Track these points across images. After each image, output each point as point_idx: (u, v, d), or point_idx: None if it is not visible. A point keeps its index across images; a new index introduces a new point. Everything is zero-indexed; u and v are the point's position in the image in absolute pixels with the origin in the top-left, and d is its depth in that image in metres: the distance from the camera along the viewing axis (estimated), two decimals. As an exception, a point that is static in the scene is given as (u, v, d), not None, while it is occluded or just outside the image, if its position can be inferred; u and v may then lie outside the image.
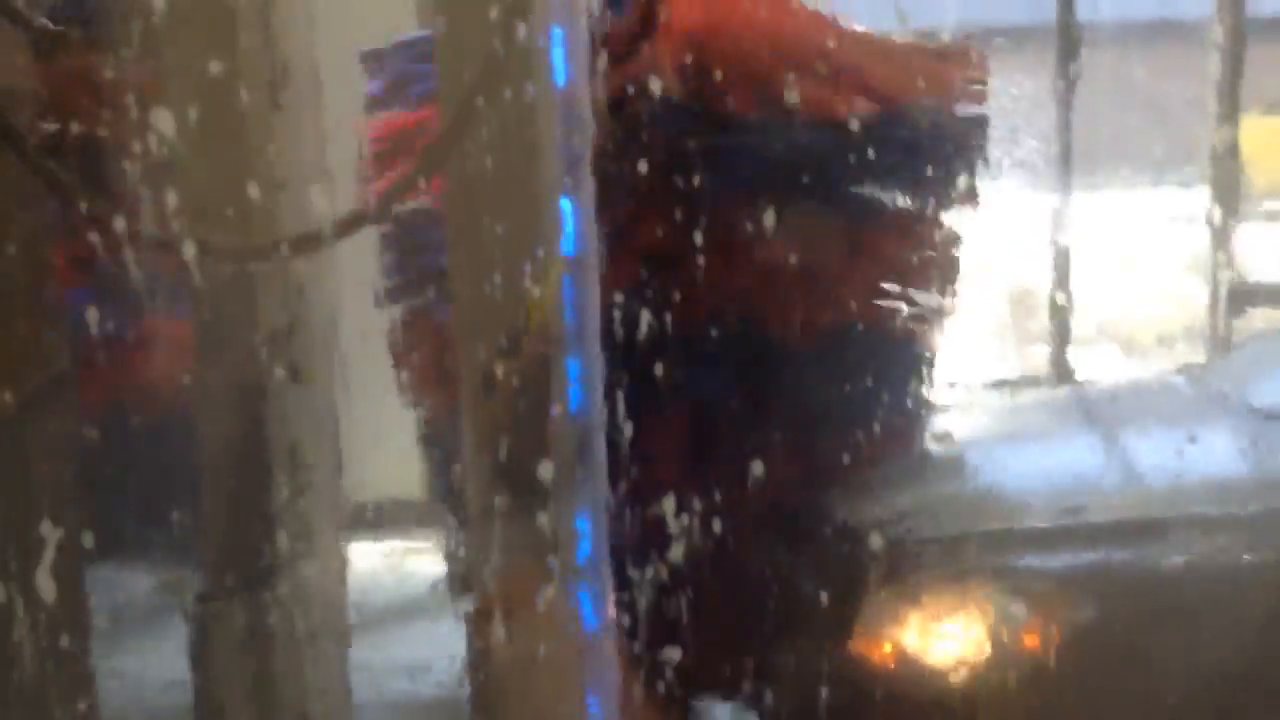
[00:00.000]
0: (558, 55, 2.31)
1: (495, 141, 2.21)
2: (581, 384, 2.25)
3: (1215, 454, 3.13)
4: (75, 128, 2.54)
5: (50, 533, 2.11)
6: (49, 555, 2.11)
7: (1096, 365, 6.40)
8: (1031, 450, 3.41)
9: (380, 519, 3.94)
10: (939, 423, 3.43)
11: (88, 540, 2.19)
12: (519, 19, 2.23)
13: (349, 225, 2.27)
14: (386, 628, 3.79)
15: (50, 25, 2.34)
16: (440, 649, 3.36)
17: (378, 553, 4.43)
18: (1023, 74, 6.15)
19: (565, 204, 2.28)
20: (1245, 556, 2.70)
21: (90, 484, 2.26)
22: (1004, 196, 5.84)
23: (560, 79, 2.29)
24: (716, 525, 2.74)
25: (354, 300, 2.72)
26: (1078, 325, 6.28)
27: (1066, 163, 6.06)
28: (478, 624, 2.17)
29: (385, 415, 2.95)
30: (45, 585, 2.10)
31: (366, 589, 3.75)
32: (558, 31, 2.30)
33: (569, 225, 2.26)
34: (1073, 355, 6.22)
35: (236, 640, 2.37)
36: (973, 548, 2.75)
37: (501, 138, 2.22)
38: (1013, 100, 6.10)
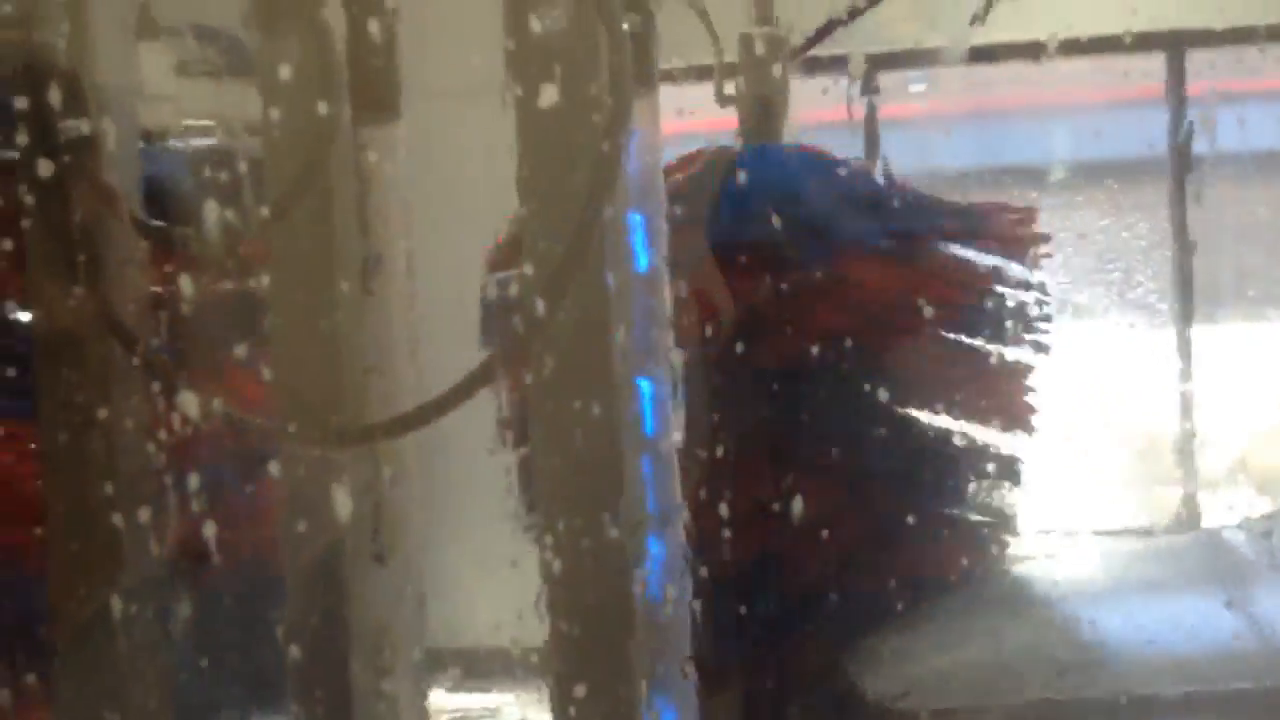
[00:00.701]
0: (638, 240, 2.36)
1: (576, 325, 2.25)
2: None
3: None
4: (177, 315, 2.66)
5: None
6: None
7: (1229, 507, 6.17)
8: (1141, 604, 3.29)
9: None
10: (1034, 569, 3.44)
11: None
12: (605, 202, 2.28)
13: (437, 409, 2.32)
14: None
15: (161, 225, 2.47)
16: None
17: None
18: (1138, 212, 6.07)
19: (644, 384, 2.32)
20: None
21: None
22: (1122, 337, 5.72)
23: (641, 265, 2.34)
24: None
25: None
26: (1207, 466, 6.08)
27: (1187, 300, 5.94)
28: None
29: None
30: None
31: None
32: (637, 217, 2.36)
33: (647, 406, 2.30)
34: (1203, 498, 6.02)
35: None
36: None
37: (583, 321, 2.26)
38: (1125, 241, 6.01)
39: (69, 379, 2.34)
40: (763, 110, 3.97)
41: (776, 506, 3.24)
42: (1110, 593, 3.40)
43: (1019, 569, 3.56)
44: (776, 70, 3.99)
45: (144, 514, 2.43)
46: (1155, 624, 3.03)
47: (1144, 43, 5.78)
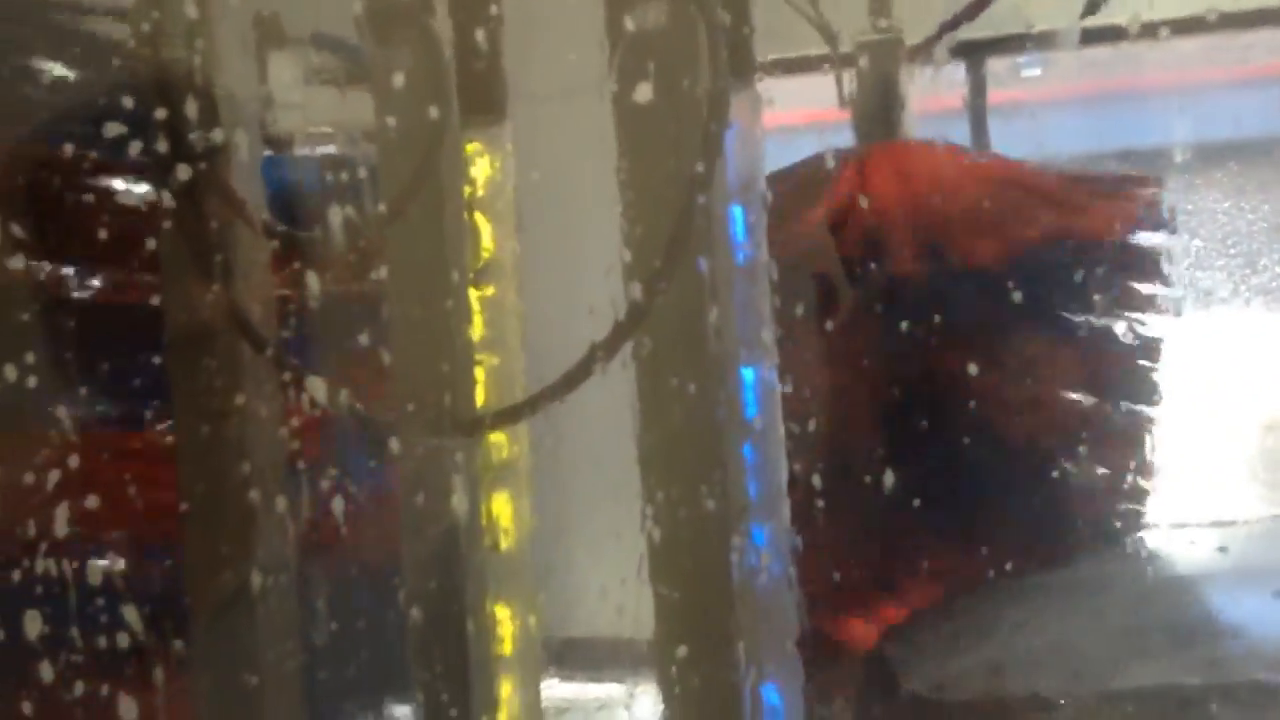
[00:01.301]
0: (738, 229, 2.42)
1: (675, 313, 2.33)
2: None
3: None
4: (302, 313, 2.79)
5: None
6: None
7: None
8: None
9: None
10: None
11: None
12: (702, 191, 2.34)
13: (545, 398, 2.41)
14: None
15: (290, 232, 2.59)
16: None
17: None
18: (1262, 194, 5.93)
19: (746, 373, 2.38)
20: None
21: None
22: (1246, 324, 5.59)
23: (739, 255, 2.40)
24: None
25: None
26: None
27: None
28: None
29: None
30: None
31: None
32: (737, 208, 2.42)
33: (749, 394, 2.36)
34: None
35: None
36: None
37: (680, 309, 2.33)
38: (1249, 223, 5.87)
39: (202, 372, 2.47)
40: (885, 106, 3.99)
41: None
42: (1206, 580, 3.36)
43: (1132, 551, 3.54)
44: (897, 66, 4.04)
45: (276, 496, 2.54)
46: (1243, 613, 2.99)
47: (1266, 19, 5.64)
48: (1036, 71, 6.89)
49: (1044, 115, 6.61)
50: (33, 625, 2.32)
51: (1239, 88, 6.31)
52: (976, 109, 5.89)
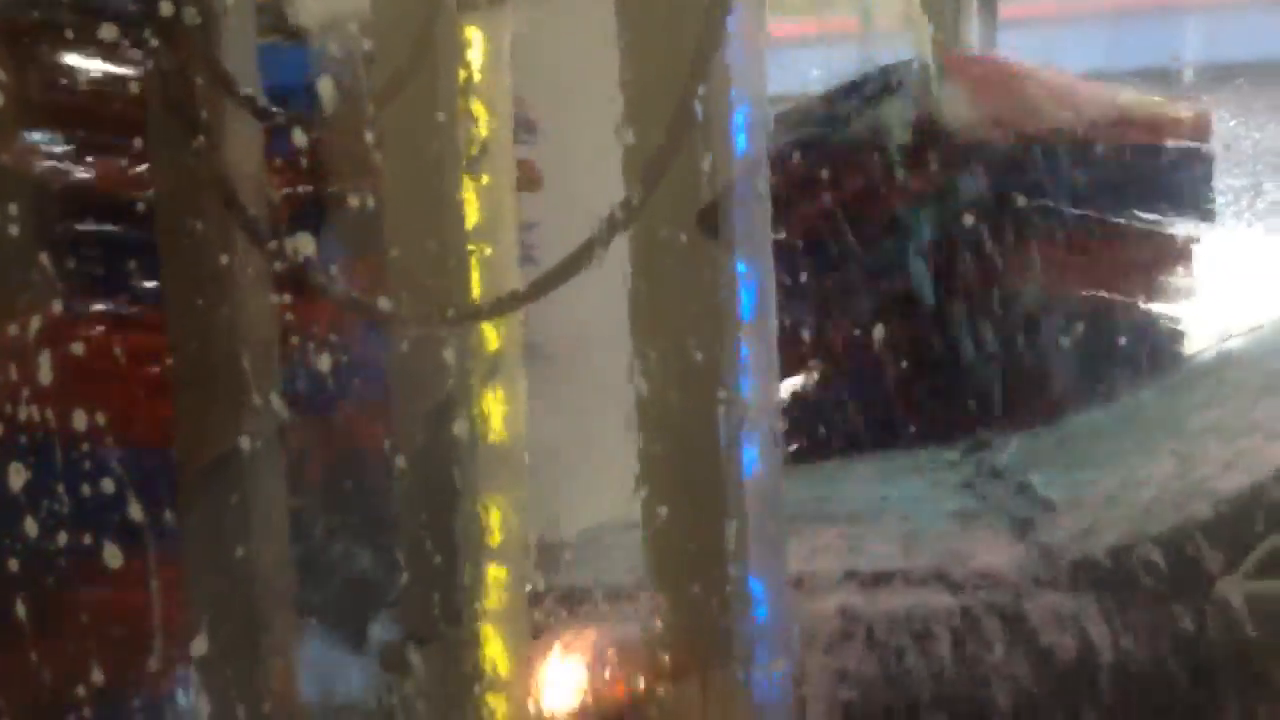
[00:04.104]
0: (739, 126, 2.37)
1: (674, 208, 2.29)
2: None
3: None
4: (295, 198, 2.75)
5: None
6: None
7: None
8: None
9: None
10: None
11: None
12: (702, 81, 2.29)
13: (538, 288, 2.38)
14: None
15: (282, 113, 2.54)
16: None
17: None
18: (1267, 114, 5.87)
19: (741, 267, 2.35)
20: None
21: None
22: (1247, 245, 5.56)
23: (739, 149, 2.36)
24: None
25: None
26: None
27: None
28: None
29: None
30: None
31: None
32: (741, 98, 2.37)
33: (746, 294, 2.33)
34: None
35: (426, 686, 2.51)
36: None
37: (684, 208, 2.30)
38: (1255, 144, 5.81)
39: (190, 246, 2.43)
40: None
41: None
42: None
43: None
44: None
45: (265, 368, 2.49)
46: None
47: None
48: (1045, -14, 6.76)
49: (1052, 30, 6.50)
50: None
51: (1248, 9, 6.22)
52: (986, 21, 5.80)
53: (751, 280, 2.31)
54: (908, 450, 3.57)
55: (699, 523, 2.09)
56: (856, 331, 3.80)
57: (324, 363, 2.74)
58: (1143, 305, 4.08)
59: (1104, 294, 4.02)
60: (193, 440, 2.34)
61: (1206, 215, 4.22)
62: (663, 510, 2.09)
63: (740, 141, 2.36)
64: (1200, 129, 4.23)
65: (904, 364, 3.76)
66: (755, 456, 2.18)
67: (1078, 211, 3.99)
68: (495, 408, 2.57)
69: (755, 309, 2.33)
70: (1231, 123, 5.88)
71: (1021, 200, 3.87)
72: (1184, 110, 4.25)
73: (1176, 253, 4.17)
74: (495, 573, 2.49)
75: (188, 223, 2.36)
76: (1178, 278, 4.17)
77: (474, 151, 2.55)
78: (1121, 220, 4.07)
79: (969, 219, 3.85)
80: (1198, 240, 4.22)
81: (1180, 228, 4.18)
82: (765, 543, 2.12)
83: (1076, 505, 2.89)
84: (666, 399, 2.29)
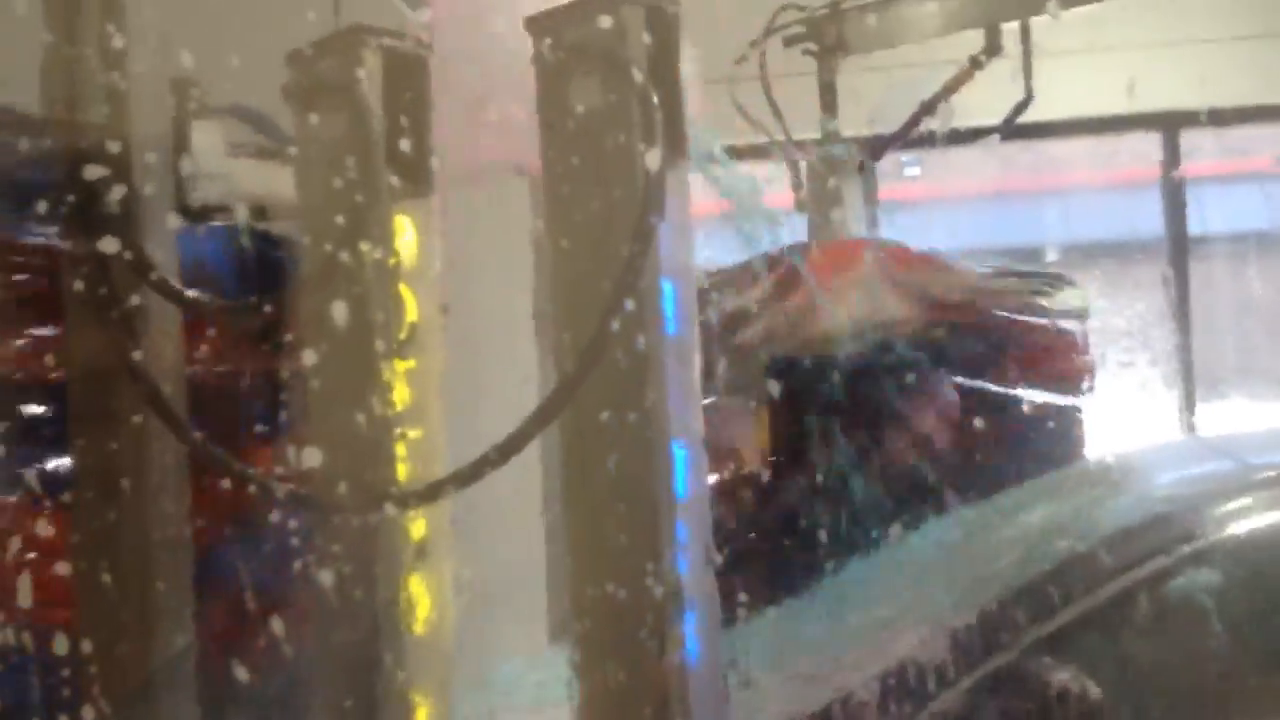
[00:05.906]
0: (669, 306, 2.42)
1: (609, 388, 2.31)
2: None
3: None
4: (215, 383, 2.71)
5: None
6: None
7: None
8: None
9: None
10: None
11: None
12: (641, 261, 2.33)
13: (471, 475, 2.36)
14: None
15: (202, 299, 2.52)
16: None
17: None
18: (1135, 292, 6.17)
19: (676, 448, 2.37)
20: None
21: None
22: (1126, 419, 5.77)
23: (670, 329, 2.40)
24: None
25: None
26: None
27: (1188, 379, 6.01)
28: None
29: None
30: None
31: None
32: (668, 284, 2.42)
33: (680, 470, 2.35)
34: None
35: None
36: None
37: (616, 384, 2.32)
38: (1126, 320, 6.09)
39: (102, 441, 2.38)
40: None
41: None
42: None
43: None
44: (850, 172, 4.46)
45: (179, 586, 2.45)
46: None
47: (1138, 123, 5.92)
48: (917, 170, 7.08)
49: (925, 213, 6.79)
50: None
51: (1113, 191, 6.58)
52: (869, 204, 6.03)
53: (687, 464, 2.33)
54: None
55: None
56: None
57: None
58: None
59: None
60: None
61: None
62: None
63: (671, 326, 2.40)
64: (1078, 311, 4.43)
65: None
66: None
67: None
68: (422, 595, 2.52)
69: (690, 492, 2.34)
70: (1100, 301, 6.16)
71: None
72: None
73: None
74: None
75: (100, 405, 2.32)
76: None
77: (403, 336, 2.55)
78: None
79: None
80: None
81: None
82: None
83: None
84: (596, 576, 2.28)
